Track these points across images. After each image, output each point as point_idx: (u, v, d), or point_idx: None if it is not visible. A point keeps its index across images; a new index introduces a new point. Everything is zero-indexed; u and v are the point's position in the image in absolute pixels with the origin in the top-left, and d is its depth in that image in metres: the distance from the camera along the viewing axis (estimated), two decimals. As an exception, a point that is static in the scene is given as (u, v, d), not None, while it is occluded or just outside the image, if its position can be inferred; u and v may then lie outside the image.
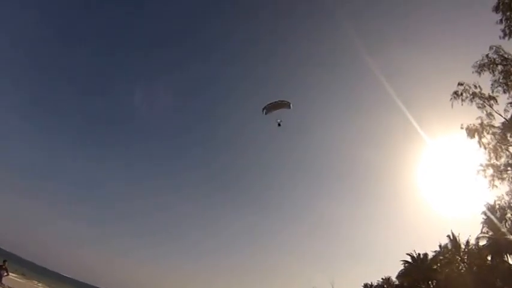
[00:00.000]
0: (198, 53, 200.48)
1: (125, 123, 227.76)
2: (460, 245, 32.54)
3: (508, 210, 24.61)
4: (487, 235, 28.98)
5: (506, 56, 18.30)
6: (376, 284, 46.14)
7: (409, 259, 38.17)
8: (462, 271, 31.84)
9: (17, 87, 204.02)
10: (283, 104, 18.59)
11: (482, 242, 29.66)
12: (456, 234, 33.38)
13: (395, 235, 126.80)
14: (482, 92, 19.78)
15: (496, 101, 19.62)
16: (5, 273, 14.72)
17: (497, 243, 27.59)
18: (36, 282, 35.35)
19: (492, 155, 19.90)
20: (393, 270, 43.01)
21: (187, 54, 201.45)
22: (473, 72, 19.24)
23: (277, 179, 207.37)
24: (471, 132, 20.07)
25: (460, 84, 20.05)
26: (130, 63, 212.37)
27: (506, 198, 21.63)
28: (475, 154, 20.50)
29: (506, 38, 18.15)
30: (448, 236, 33.82)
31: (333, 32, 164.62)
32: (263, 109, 18.85)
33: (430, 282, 36.39)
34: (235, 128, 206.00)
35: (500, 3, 18.27)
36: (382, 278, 44.77)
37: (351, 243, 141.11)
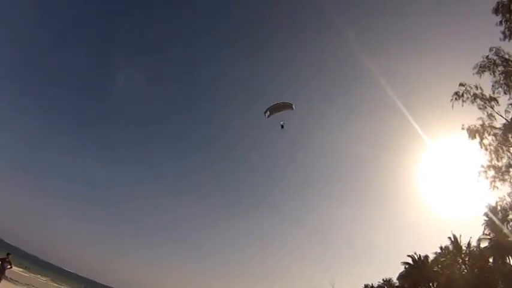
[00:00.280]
0: (202, 57, 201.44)
1: (128, 125, 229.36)
2: (461, 247, 32.38)
3: (510, 212, 24.50)
4: (488, 237, 28.83)
5: (506, 57, 18.30)
6: (376, 285, 45.98)
7: (409, 261, 38.04)
8: (463, 273, 31.66)
9: (22, 87, 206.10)
10: (286, 106, 18.19)
11: (484, 244, 29.49)
12: (457, 235, 33.29)
13: (396, 237, 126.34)
14: (484, 93, 19.73)
15: (497, 102, 19.59)
16: (9, 266, 14.98)
17: (499, 245, 27.44)
18: (40, 276, 35.71)
19: (493, 156, 19.84)
20: (394, 272, 42.88)
21: (191, 58, 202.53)
22: (473, 74, 19.25)
23: (278, 181, 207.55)
24: (472, 133, 20.04)
25: (461, 84, 20.04)
26: (133, 66, 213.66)
27: (508, 199, 21.57)
28: (476, 155, 20.48)
29: (507, 39, 18.15)
30: (449, 237, 33.73)
31: (333, 37, 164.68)
32: (265, 111, 18.41)
33: (431, 284, 36.19)
34: (237, 131, 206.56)
35: (500, 5, 18.28)
36: (383, 280, 44.61)
37: (352, 244, 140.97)
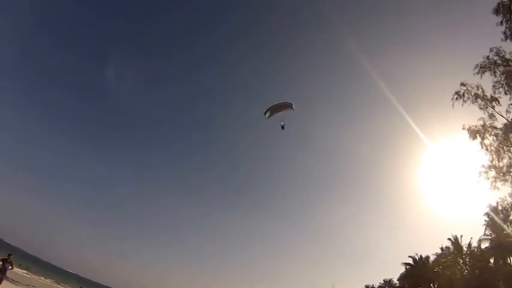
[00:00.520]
0: (202, 57, 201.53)
1: (129, 126, 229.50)
2: (461, 247, 32.34)
3: (511, 212, 24.46)
4: (489, 237, 28.79)
5: (507, 57, 18.26)
6: (377, 286, 45.93)
7: (410, 261, 38.00)
8: (464, 274, 31.59)
9: (22, 87, 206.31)
10: (286, 106, 17.92)
11: (485, 244, 29.47)
12: (458, 236, 33.23)
13: (397, 238, 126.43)
14: (485, 93, 19.71)
15: (498, 102, 19.55)
16: (10, 267, 14.99)
17: (500, 246, 27.43)
18: (43, 278, 35.65)
19: (494, 156, 19.81)
20: (395, 273, 42.89)
21: (191, 59, 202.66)
22: (474, 74, 19.21)
23: (279, 182, 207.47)
24: (473, 133, 20.02)
25: (462, 84, 20.00)
26: (133, 67, 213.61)
27: (509, 199, 21.50)
28: (476, 156, 20.47)
29: (508, 40, 18.11)
30: (449, 239, 33.67)
31: (333, 37, 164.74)
32: (265, 112, 18.15)
33: (431, 284, 36.13)
34: (238, 132, 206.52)
35: (500, 6, 18.26)
36: (384, 280, 44.57)
37: (352, 245, 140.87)
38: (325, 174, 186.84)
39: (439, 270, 34.54)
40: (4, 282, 14.98)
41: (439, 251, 35.28)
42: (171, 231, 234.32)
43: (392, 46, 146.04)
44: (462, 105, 19.35)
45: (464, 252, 32.09)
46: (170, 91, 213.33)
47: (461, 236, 32.93)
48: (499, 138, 19.41)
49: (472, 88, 19.23)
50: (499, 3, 18.45)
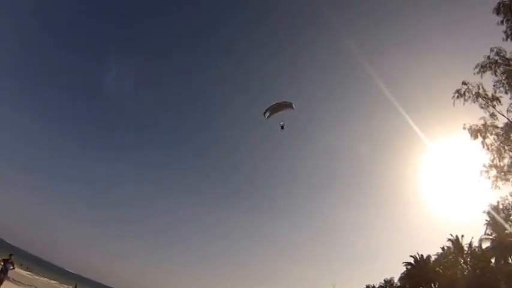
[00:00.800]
0: (203, 58, 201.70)
1: (130, 127, 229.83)
2: (462, 247, 32.31)
3: (513, 211, 24.47)
4: (490, 237, 28.76)
5: (508, 56, 18.26)
6: (378, 286, 45.89)
7: (411, 261, 37.98)
8: (465, 273, 31.56)
9: (24, 88, 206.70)
10: (285, 105, 17.58)
11: (486, 244, 29.43)
12: (459, 236, 33.21)
13: (398, 238, 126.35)
14: (486, 92, 19.71)
15: (500, 102, 19.54)
16: (11, 267, 15.00)
17: (501, 245, 27.39)
18: (47, 279, 35.62)
19: (495, 155, 19.80)
20: (395, 273, 42.93)
21: (192, 60, 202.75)
22: (474, 74, 19.19)
23: (280, 183, 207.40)
24: (474, 133, 20.01)
25: (464, 83, 20.00)
26: (134, 68, 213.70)
27: (511, 199, 21.53)
28: (477, 156, 20.48)
29: (509, 39, 18.11)
30: (450, 239, 33.61)
31: (333, 37, 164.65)
32: (265, 112, 17.79)
33: (432, 284, 36.10)
34: (239, 133, 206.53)
35: (501, 5, 18.24)
36: (385, 280, 44.56)
37: (353, 246, 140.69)
38: (326, 175, 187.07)
39: (440, 270, 34.51)
40: (5, 283, 14.99)
41: (440, 251, 35.29)
42: (171, 231, 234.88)
43: (392, 46, 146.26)
44: (464, 104, 19.33)
45: (465, 252, 32.09)
46: (170, 91, 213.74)
47: (462, 236, 33.02)
48: (500, 137, 19.40)
49: (473, 87, 19.22)
50: (499, 3, 18.42)
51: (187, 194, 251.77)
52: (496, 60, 18.73)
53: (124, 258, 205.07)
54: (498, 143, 19.39)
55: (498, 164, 19.58)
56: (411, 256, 38.04)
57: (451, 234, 33.65)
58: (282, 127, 17.74)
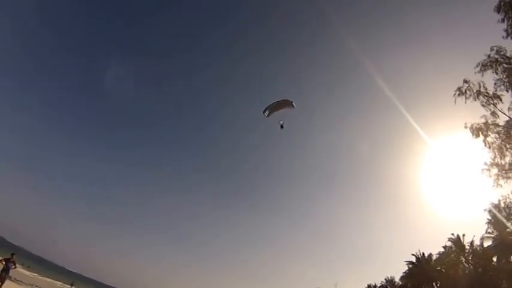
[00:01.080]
0: (203, 58, 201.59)
1: (131, 126, 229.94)
2: (464, 246, 32.23)
3: (514, 209, 24.46)
4: (492, 235, 28.69)
5: (508, 55, 18.26)
6: (379, 285, 45.83)
7: (413, 260, 37.89)
8: (467, 272, 31.49)
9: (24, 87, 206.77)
10: (286, 104, 17.30)
11: (487, 243, 29.37)
12: (460, 235, 33.13)
13: (399, 237, 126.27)
14: (487, 91, 19.70)
15: (501, 100, 19.53)
16: (13, 266, 15.05)
17: (502, 244, 27.34)
18: (49, 279, 35.64)
19: (497, 154, 19.79)
20: (397, 272, 42.91)
21: (192, 59, 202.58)
22: (475, 73, 19.19)
23: (282, 181, 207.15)
24: (475, 131, 20.00)
25: (465, 81, 20.00)
26: (137, 69, 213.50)
27: (512, 197, 21.50)
28: (477, 154, 20.47)
29: (509, 37, 18.11)
30: (450, 238, 33.52)
31: (333, 37, 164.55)
32: (264, 110, 17.45)
33: (434, 283, 36.03)
34: (240, 132, 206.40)
35: (502, 3, 18.24)
36: (386, 279, 44.50)
37: (354, 245, 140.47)
38: (326, 174, 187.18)
39: (442, 269, 34.44)
40: (7, 282, 15.03)
41: (442, 250, 35.22)
42: (171, 230, 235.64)
43: (392, 45, 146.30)
44: (465, 102, 19.33)
45: (467, 251, 32.00)
46: (171, 91, 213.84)
47: (464, 235, 32.89)
48: (501, 135, 19.39)
49: (474, 85, 19.22)
50: (500, 1, 18.42)
51: (187, 193, 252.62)
52: (497, 59, 18.73)
53: (124, 256, 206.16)
54: (499, 141, 19.38)
55: (499, 163, 19.58)
56: (413, 255, 38.01)
57: (452, 234, 33.60)
58: (282, 126, 17.48)
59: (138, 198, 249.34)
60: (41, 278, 32.59)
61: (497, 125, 19.37)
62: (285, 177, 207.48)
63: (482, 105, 19.21)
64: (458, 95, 19.44)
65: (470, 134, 19.95)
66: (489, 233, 28.87)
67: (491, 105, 19.22)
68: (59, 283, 35.26)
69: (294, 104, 17.50)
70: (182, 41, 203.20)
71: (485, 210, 28.02)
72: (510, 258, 27.46)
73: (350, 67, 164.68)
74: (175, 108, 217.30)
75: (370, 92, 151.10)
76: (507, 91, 18.74)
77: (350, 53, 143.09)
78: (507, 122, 19.12)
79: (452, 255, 33.41)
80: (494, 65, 18.66)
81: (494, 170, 19.71)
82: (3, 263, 14.60)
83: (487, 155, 19.85)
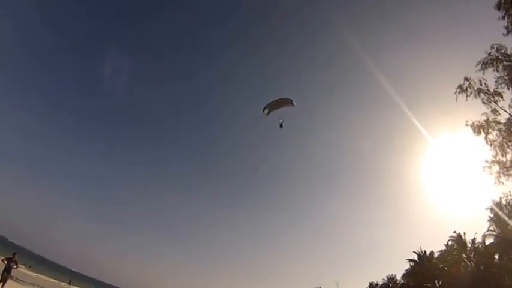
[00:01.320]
0: (204, 57, 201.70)
1: (133, 125, 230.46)
2: (466, 244, 32.15)
3: (516, 207, 24.42)
4: (494, 233, 28.63)
5: (508, 52, 18.24)
6: (381, 283, 45.83)
7: (415, 257, 37.86)
8: (469, 270, 31.42)
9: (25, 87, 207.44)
10: (285, 102, 17.01)
11: (489, 240, 29.32)
12: (462, 232, 33.05)
13: (400, 235, 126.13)
14: (488, 88, 19.67)
15: (502, 97, 19.52)
16: (15, 266, 15.11)
17: (504, 241, 27.29)
18: (53, 279, 35.74)
19: (498, 151, 19.79)
20: (398, 270, 42.83)
21: (193, 59, 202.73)
22: (477, 71, 19.18)
23: (283, 180, 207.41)
24: (477, 128, 19.98)
25: (466, 79, 19.98)
26: (138, 69, 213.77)
27: (514, 194, 21.48)
28: (478, 152, 20.46)
29: (510, 34, 18.08)
30: (452, 236, 33.46)
31: (333, 36, 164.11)
32: (264, 108, 17.17)
33: (436, 281, 35.99)
34: (240, 131, 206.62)
35: (502, 1, 18.20)
36: (387, 277, 44.50)
37: (356, 243, 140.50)
38: (328, 173, 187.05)
39: (444, 267, 34.40)
40: (9, 281, 15.09)
41: (443, 248, 35.13)
42: (172, 230, 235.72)
43: (392, 43, 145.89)
44: (466, 99, 19.32)
45: (469, 249, 31.92)
46: (171, 90, 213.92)
47: (464, 233, 32.78)
48: (502, 133, 19.38)
49: (475, 83, 19.20)
50: (500, -2, 18.39)
51: (187, 193, 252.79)
52: (497, 57, 18.73)
53: (125, 256, 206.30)
54: (501, 138, 19.38)
55: (501, 160, 19.58)
56: (414, 252, 37.96)
57: (454, 231, 33.52)
58: (281, 125, 17.22)
59: (138, 197, 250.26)
60: (42, 277, 32.68)
61: (499, 123, 19.37)
62: (285, 176, 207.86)
63: (483, 103, 19.23)
64: (459, 92, 19.45)
65: (472, 131, 20.00)
66: (491, 230, 28.83)
67: (492, 103, 19.24)
68: (55, 281, 35.41)
69: (294, 102, 17.27)
70: (182, 41, 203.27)
71: (487, 209, 28.04)
72: (512, 255, 27.40)
73: (350, 66, 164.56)
74: (175, 108, 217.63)
75: (371, 91, 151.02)
76: (508, 88, 18.75)
77: (350, 52, 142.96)
78: (508, 119, 19.10)
79: (454, 253, 33.33)
80: (495, 63, 18.68)
81: (496, 168, 19.73)
82: (5, 262, 14.66)
83: (488, 153, 19.91)
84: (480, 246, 30.87)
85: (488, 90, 19.33)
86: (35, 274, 32.21)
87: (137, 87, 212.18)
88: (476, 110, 19.67)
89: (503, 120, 19.20)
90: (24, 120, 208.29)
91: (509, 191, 20.99)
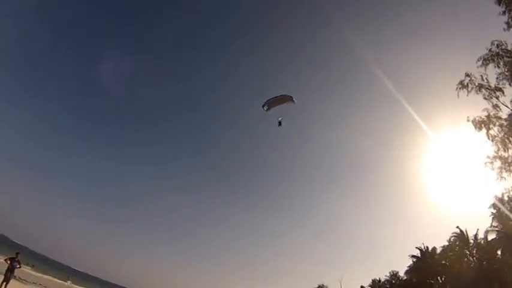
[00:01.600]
0: (204, 57, 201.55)
1: (134, 125, 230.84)
2: (468, 240, 32.06)
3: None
4: (496, 228, 28.54)
5: (509, 48, 18.20)
6: (384, 279, 45.90)
7: (417, 253, 37.84)
8: (472, 266, 31.38)
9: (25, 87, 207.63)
10: (285, 99, 16.56)
11: (492, 236, 29.20)
12: (464, 228, 32.97)
13: (402, 232, 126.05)
14: (489, 83, 19.61)
15: (503, 93, 19.48)
16: (18, 266, 15.16)
17: (507, 237, 27.20)
18: (56, 279, 35.96)
19: (500, 147, 19.75)
20: (401, 267, 42.87)
21: (194, 58, 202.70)
22: (477, 67, 19.15)
23: (284, 179, 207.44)
24: (478, 124, 19.94)
25: (467, 75, 19.93)
26: (142, 68, 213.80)
27: (516, 189, 21.43)
28: (481, 147, 20.42)
29: (511, 30, 18.06)
30: (454, 233, 33.39)
31: (333, 33, 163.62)
32: (264, 105, 16.75)
33: (439, 277, 35.98)
34: (240, 130, 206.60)
35: (503, -4, 18.17)
36: (390, 273, 44.55)
37: (358, 241, 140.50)
38: (329, 170, 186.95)
39: (446, 263, 34.37)
40: (12, 281, 15.16)
41: (446, 244, 35.09)
42: (172, 229, 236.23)
43: (393, 39, 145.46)
44: (467, 95, 19.29)
45: (471, 244, 31.84)
46: (171, 90, 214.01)
47: (466, 230, 32.65)
48: (504, 128, 19.35)
49: (476, 78, 19.15)
50: (501, -6, 18.32)
51: (187, 192, 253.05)
52: (498, 53, 18.69)
53: (125, 256, 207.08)
54: (502, 134, 19.35)
55: (503, 155, 19.56)
56: (417, 248, 37.93)
57: (457, 227, 33.42)
58: (280, 123, 16.74)
59: (138, 197, 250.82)
60: (45, 277, 32.92)
61: (500, 118, 19.36)
62: (285, 175, 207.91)
63: (485, 99, 19.22)
64: (461, 88, 19.43)
65: (473, 127, 19.97)
66: (493, 226, 28.74)
67: (494, 98, 19.22)
68: (59, 281, 35.67)
69: (294, 99, 16.81)
70: (182, 40, 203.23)
71: (489, 207, 28.01)
72: (515, 251, 27.30)
73: (350, 64, 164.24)
74: (175, 108, 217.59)
75: (372, 88, 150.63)
76: (509, 84, 18.71)
77: (351, 49, 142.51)
78: (510, 115, 19.10)
79: (457, 249, 33.28)
80: (495, 59, 18.68)
81: (498, 163, 19.70)
82: (9, 262, 14.72)
83: (490, 148, 19.88)
84: (482, 242, 30.78)
85: (490, 86, 19.30)
86: (39, 274, 32.45)
87: (137, 87, 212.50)
88: (478, 105, 19.66)
89: (504, 116, 19.21)
90: (24, 120, 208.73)
91: (511, 187, 20.89)
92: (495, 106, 19.28)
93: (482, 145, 20.17)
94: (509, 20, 18.33)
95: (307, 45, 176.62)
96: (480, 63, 19.00)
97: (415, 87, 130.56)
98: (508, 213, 25.88)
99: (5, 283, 14.19)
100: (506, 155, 19.51)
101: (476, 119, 19.68)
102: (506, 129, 19.28)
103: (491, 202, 27.69)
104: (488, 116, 19.45)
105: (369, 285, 48.65)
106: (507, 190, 21.99)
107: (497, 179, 19.83)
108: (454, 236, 33.48)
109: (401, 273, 42.11)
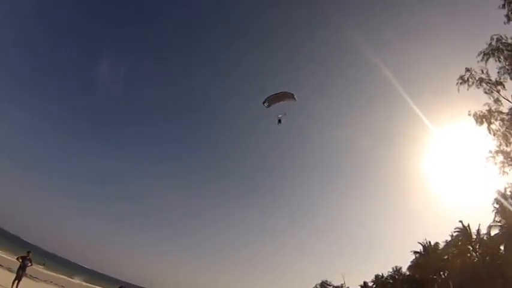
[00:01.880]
0: (204, 56, 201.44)
1: (137, 125, 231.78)
2: (471, 235, 32.02)
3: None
4: (499, 224, 28.52)
5: (509, 42, 18.21)
6: (387, 275, 46.02)
7: (420, 249, 37.89)
8: (475, 261, 31.35)
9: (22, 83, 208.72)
10: (286, 95, 16.36)
11: (495, 231, 29.18)
12: (467, 223, 32.93)
13: (404, 228, 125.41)
14: (490, 77, 19.62)
15: (504, 87, 19.46)
16: (29, 264, 15.54)
17: (510, 232, 27.18)
18: (65, 277, 36.53)
19: (502, 141, 19.76)
20: (403, 263, 42.96)
21: (193, 57, 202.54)
22: (478, 61, 19.18)
23: (286, 176, 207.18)
24: (479, 118, 19.94)
25: (467, 69, 19.95)
26: (142, 67, 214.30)
27: (519, 184, 21.44)
28: (481, 142, 20.48)
29: (511, 22, 18.06)
30: (457, 228, 33.38)
31: (334, 30, 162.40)
32: (264, 101, 16.54)
33: (442, 273, 36.05)
34: (241, 129, 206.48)
35: (504, -10, 18.17)
36: (393, 268, 44.67)
37: (360, 238, 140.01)
38: (330, 166, 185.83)
39: (449, 258, 34.40)
40: (24, 279, 15.54)
41: (448, 239, 35.10)
42: (172, 228, 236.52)
43: (395, 34, 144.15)
44: (467, 89, 19.33)
45: (474, 240, 31.79)
46: (170, 89, 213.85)
47: (468, 225, 32.58)
48: (505, 122, 19.36)
49: (476, 73, 19.18)
50: (502, -12, 18.33)
51: (187, 192, 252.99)
52: (498, 47, 18.71)
53: (125, 255, 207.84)
54: (504, 128, 19.37)
55: (505, 150, 19.59)
56: (419, 243, 38.00)
57: (460, 221, 33.39)
58: (279, 121, 16.59)
59: (138, 196, 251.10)
60: (56, 275, 33.49)
61: (501, 112, 19.36)
62: (285, 174, 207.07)
63: (486, 93, 19.25)
64: (461, 83, 19.47)
65: (474, 121, 20.00)
66: (496, 221, 28.72)
67: (495, 93, 19.24)
68: (64, 276, 36.25)
69: (295, 97, 16.64)
70: (182, 40, 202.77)
71: (492, 204, 27.99)
72: (518, 246, 27.30)
73: (351, 62, 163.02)
74: (175, 107, 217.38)
75: (373, 85, 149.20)
76: (511, 78, 18.72)
77: (351, 48, 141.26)
78: (511, 109, 19.09)
79: (459, 244, 33.25)
80: (496, 53, 18.68)
81: (500, 158, 19.75)
82: (20, 260, 15.11)
83: (491, 143, 19.92)
84: (485, 237, 30.72)
85: (490, 80, 19.30)
86: (50, 272, 32.97)
87: (137, 87, 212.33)
88: (479, 100, 19.68)
89: (505, 110, 19.23)
90: (24, 120, 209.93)
91: (515, 181, 20.94)
92: (496, 100, 19.32)
93: (484, 139, 20.24)
94: (509, 12, 18.33)
95: (307, 45, 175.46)
96: (480, 57, 19.04)
97: (415, 84, 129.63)
98: (510, 208, 25.88)
99: (17, 281, 14.55)
100: (508, 149, 19.54)
101: (478, 113, 19.71)
102: (508, 124, 19.29)
103: (494, 197, 27.69)
104: (489, 111, 19.47)
105: (372, 281, 48.78)
106: (509, 185, 22.07)
107: (500, 173, 19.91)
108: (456, 231, 33.46)
109: (404, 269, 42.24)
